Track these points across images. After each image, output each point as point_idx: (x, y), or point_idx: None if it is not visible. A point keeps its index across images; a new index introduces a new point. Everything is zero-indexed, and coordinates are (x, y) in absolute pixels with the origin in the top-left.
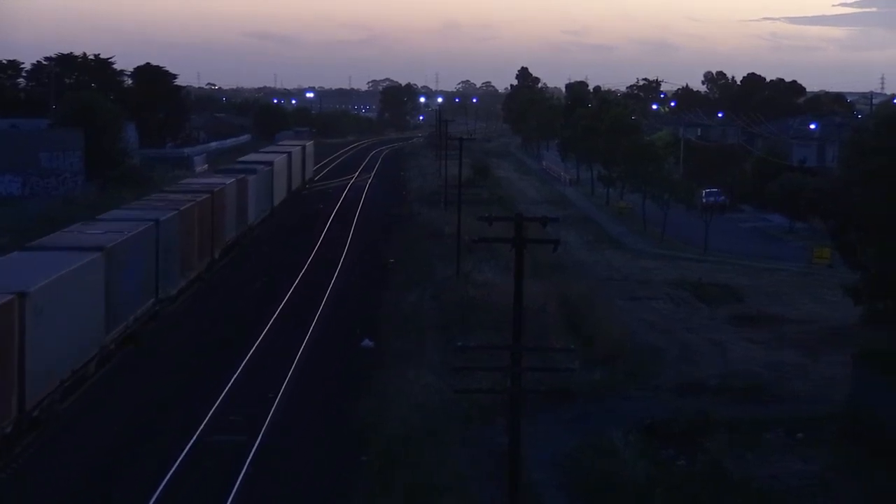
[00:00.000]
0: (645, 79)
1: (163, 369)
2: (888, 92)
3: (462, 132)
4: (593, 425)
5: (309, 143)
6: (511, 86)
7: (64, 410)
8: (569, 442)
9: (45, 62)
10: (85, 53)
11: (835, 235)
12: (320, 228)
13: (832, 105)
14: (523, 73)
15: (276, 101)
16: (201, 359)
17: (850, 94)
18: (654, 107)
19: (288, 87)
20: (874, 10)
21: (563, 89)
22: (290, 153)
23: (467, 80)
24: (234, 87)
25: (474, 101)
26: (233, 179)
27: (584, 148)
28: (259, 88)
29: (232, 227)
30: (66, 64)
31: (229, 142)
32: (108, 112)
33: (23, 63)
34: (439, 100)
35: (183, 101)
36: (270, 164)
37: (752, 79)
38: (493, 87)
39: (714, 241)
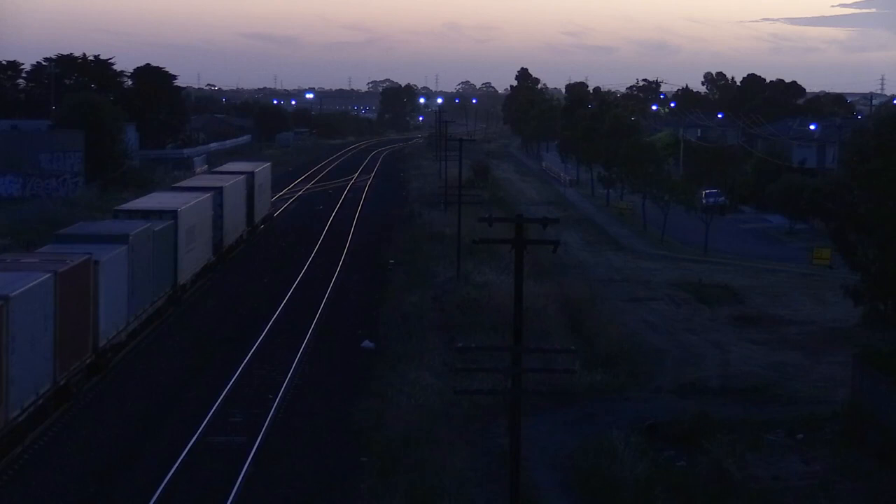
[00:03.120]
0: (645, 80)
1: (162, 370)
2: (888, 93)
3: (462, 133)
4: (594, 426)
5: (261, 168)
6: (511, 87)
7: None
8: (569, 443)
9: (44, 63)
10: (85, 54)
11: (835, 236)
12: (320, 229)
13: (832, 106)
14: (523, 74)
15: (276, 102)
16: (200, 360)
17: (850, 94)
18: (654, 108)
19: (288, 88)
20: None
21: (563, 90)
22: (217, 191)
23: (467, 81)
24: (234, 88)
25: (474, 102)
26: (47, 276)
27: (585, 149)
28: (259, 89)
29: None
30: (66, 65)
31: (229, 143)
32: (108, 113)
33: (23, 64)
34: (439, 101)
35: (183, 103)
36: (172, 214)
37: (752, 80)
38: (492, 87)
39: (714, 242)
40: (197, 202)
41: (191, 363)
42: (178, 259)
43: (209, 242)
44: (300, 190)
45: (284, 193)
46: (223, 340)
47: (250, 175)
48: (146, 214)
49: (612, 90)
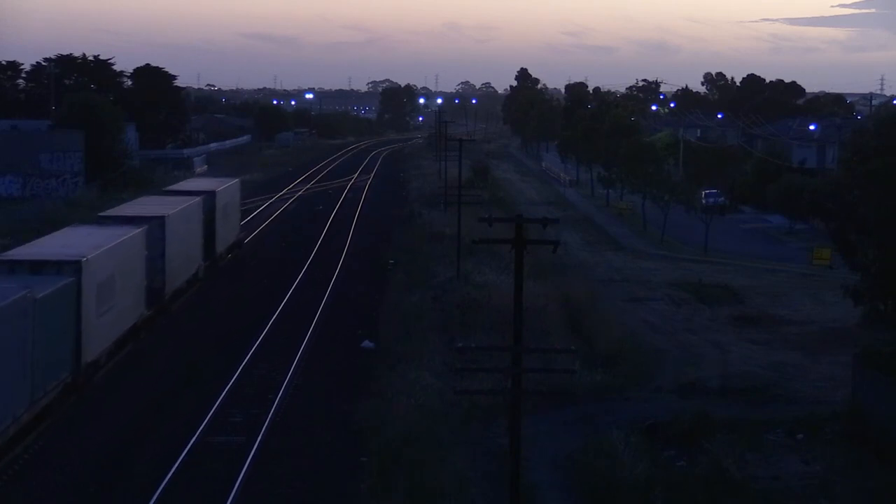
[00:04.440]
0: (644, 80)
1: (161, 371)
2: (888, 93)
3: (462, 133)
4: (594, 426)
5: (226, 187)
6: (511, 87)
7: None
8: (569, 443)
9: (44, 63)
10: (84, 54)
11: (835, 236)
12: (320, 229)
13: (832, 106)
14: (523, 74)
15: (275, 102)
16: (198, 361)
17: (850, 94)
18: (654, 108)
19: (288, 89)
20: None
21: (563, 90)
22: (155, 222)
23: (467, 81)
24: (234, 88)
25: (474, 102)
26: None
27: (584, 149)
28: (259, 89)
29: None
30: (65, 65)
31: (229, 143)
32: (108, 113)
33: (22, 64)
34: (439, 101)
35: (183, 103)
36: (74, 267)
37: (752, 80)
38: (492, 88)
39: (714, 242)
40: (120, 242)
41: (186, 365)
42: (84, 329)
43: (140, 293)
44: (300, 190)
45: (284, 194)
46: (221, 341)
47: (209, 195)
48: (37, 267)
49: (612, 90)
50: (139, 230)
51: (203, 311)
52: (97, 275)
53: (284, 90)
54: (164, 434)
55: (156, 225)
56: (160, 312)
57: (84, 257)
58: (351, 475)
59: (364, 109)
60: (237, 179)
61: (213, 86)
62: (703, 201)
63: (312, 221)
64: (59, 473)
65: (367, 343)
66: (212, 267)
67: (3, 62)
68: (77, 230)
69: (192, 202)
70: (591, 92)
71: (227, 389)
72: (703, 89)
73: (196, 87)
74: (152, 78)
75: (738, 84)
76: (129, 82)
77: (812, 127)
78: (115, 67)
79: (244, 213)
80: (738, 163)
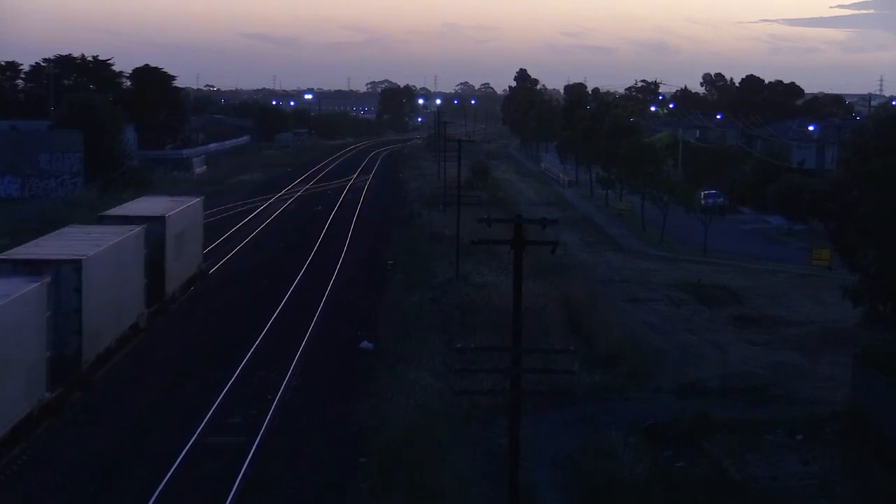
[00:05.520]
0: (644, 80)
1: (160, 371)
2: (887, 93)
3: (461, 134)
4: (593, 427)
5: (182, 209)
6: (510, 87)
7: None
8: (569, 443)
9: (43, 63)
10: (84, 55)
11: (834, 237)
12: (319, 229)
13: (831, 106)
14: (522, 75)
15: (274, 102)
16: (197, 361)
17: (849, 95)
18: (653, 108)
19: (287, 89)
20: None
21: (562, 91)
22: (70, 266)
23: (466, 82)
24: (233, 88)
25: (473, 102)
26: None
27: (584, 150)
28: (258, 90)
29: None
30: (64, 65)
31: (228, 143)
32: (107, 114)
33: (21, 64)
34: (438, 101)
35: (182, 103)
36: None
37: (751, 80)
38: (491, 88)
39: (713, 243)
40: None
41: (184, 367)
42: None
43: (35, 372)
44: (299, 191)
45: (283, 194)
46: (221, 341)
47: (157, 222)
48: None
49: (612, 91)
50: (33, 286)
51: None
52: None
53: (284, 90)
54: None
55: (68, 271)
56: (73, 389)
57: None
58: (350, 475)
59: (363, 110)
60: (199, 199)
61: (213, 86)
62: (703, 202)
63: (311, 221)
64: None
65: (366, 343)
66: (161, 312)
67: (3, 62)
68: None
69: (128, 235)
70: (590, 92)
71: None
72: (702, 90)
73: (195, 87)
74: (151, 78)
75: (737, 85)
76: (129, 82)
77: (811, 127)
78: (114, 68)
79: (242, 215)
80: (737, 163)
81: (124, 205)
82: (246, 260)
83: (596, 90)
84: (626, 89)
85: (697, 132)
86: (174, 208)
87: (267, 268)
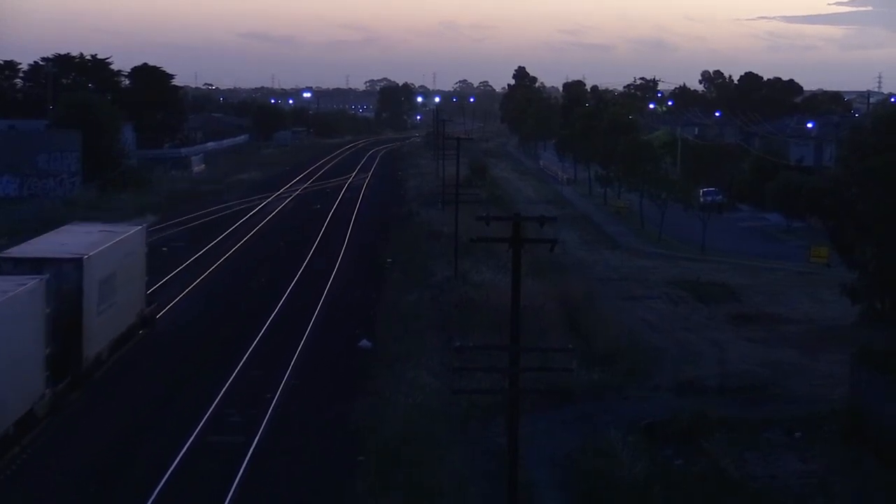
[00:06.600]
0: (642, 78)
1: (159, 371)
2: (885, 90)
3: (459, 132)
4: (592, 425)
5: (112, 244)
6: (508, 85)
7: None
8: (567, 442)
9: (42, 63)
10: (82, 54)
11: (832, 234)
12: (318, 228)
13: (829, 104)
14: (521, 73)
15: (273, 101)
16: (196, 362)
17: (848, 92)
18: (652, 106)
19: (285, 87)
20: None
21: (561, 89)
22: None
23: (465, 80)
24: (232, 87)
25: (472, 100)
26: None
27: (582, 147)
28: (256, 89)
29: None
30: (63, 64)
31: (227, 142)
32: (105, 113)
33: (20, 63)
34: (437, 99)
35: (180, 102)
36: None
37: (750, 78)
38: (490, 86)
39: (712, 241)
40: None
41: (183, 367)
42: None
43: None
44: (298, 189)
45: (282, 192)
46: (220, 340)
47: (70, 266)
48: None
49: (610, 89)
50: None
51: None
52: None
53: (282, 89)
54: None
55: None
56: None
57: None
58: (349, 474)
59: (362, 108)
60: (140, 226)
61: (211, 85)
62: (701, 199)
63: (310, 221)
64: None
65: (364, 342)
66: (74, 385)
67: (1, 62)
68: None
69: (17, 293)
70: (588, 90)
71: None
72: (700, 87)
73: (194, 86)
74: (150, 77)
75: (735, 82)
76: (127, 82)
77: (810, 125)
78: (112, 67)
79: (239, 214)
80: (735, 161)
81: (33, 240)
82: (246, 260)
83: (594, 88)
84: (624, 87)
85: (696, 130)
86: (101, 244)
87: (267, 268)
